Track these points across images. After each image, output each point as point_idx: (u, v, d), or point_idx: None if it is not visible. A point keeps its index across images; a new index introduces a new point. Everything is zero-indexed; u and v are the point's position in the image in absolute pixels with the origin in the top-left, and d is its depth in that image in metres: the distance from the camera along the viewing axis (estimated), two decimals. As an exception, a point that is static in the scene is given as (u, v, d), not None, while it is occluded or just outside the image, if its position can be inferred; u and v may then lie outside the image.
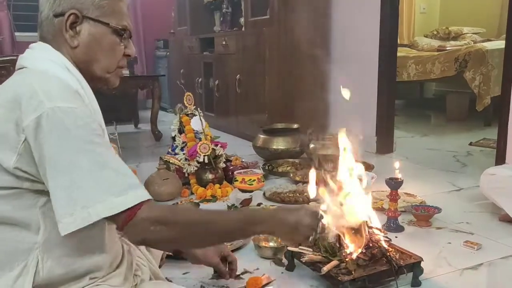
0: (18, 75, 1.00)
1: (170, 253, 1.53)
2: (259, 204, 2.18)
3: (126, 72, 1.13)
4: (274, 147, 3.03)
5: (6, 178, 0.90)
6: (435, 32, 5.53)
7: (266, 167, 2.83)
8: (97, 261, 1.00)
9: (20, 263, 0.92)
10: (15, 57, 2.61)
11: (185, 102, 2.54)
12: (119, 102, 4.54)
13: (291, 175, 2.68)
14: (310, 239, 1.11)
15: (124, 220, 0.89)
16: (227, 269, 1.40)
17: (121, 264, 1.12)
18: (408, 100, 5.63)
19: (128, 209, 0.88)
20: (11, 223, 0.92)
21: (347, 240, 1.41)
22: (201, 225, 0.99)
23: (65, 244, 0.93)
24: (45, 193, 0.91)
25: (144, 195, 0.91)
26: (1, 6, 5.19)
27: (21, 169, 0.89)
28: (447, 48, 4.82)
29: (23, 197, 0.91)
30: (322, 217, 1.16)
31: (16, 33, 5.37)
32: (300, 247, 1.52)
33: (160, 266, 1.36)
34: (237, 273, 1.46)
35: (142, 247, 1.27)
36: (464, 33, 5.25)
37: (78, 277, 0.97)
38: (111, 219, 0.88)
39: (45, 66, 0.98)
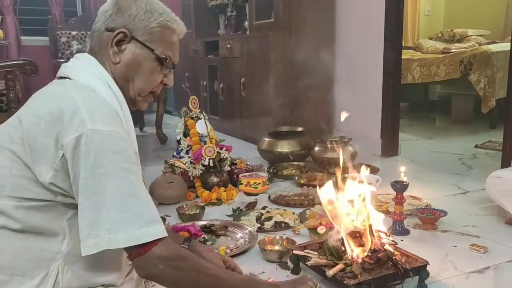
0: (60, 85, 1.01)
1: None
2: (264, 208, 2.18)
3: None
4: (279, 150, 3.03)
5: (40, 191, 0.92)
6: (439, 34, 5.52)
7: (271, 170, 2.83)
8: (112, 279, 1.03)
9: (41, 271, 0.94)
10: (21, 61, 2.64)
11: (190, 106, 2.55)
12: None
13: (296, 178, 2.68)
14: None
15: (137, 252, 0.91)
16: None
17: (133, 270, 1.13)
18: (412, 103, 5.61)
19: (143, 244, 0.90)
20: (39, 232, 0.94)
21: (352, 243, 1.41)
22: (208, 277, 1.00)
23: (85, 259, 0.95)
24: (75, 206, 0.93)
25: (162, 232, 0.93)
26: (7, 10, 5.22)
27: (56, 185, 0.92)
28: (452, 51, 4.80)
29: (54, 208, 0.94)
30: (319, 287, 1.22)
31: (22, 37, 5.40)
32: (305, 250, 1.52)
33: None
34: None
35: None
36: (469, 35, 5.24)
37: None
38: (127, 248, 0.91)
39: (88, 80, 1.01)
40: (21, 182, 0.92)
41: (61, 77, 1.04)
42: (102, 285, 1.01)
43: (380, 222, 1.50)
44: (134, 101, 1.10)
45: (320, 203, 2.20)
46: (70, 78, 1.02)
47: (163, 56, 1.07)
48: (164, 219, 2.00)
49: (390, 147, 3.34)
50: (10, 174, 0.92)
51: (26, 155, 0.91)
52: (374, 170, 2.71)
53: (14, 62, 2.64)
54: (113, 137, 0.91)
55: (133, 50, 1.05)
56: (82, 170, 0.88)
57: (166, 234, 0.94)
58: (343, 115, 1.57)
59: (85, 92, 0.96)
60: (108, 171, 0.89)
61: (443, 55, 4.75)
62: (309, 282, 1.24)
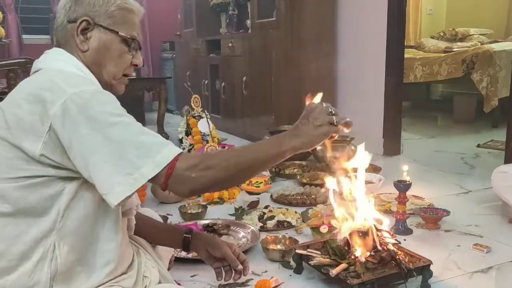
0: (35, 75, 1.03)
1: (179, 256, 1.53)
2: (266, 207, 2.17)
3: (133, 74, 1.16)
4: (281, 149, 3.02)
5: (33, 168, 0.93)
6: (441, 34, 5.51)
7: (273, 169, 2.83)
8: (108, 252, 1.02)
9: (39, 249, 0.95)
10: (23, 60, 2.63)
11: (193, 105, 2.55)
12: (126, 104, 4.43)
13: (298, 177, 2.68)
14: (334, 122, 1.08)
15: (166, 177, 0.92)
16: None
17: (132, 267, 1.13)
18: (414, 102, 5.60)
19: (167, 165, 0.92)
20: (33, 214, 0.95)
21: (355, 243, 1.40)
22: (239, 157, 1.01)
23: (78, 232, 0.97)
24: (70, 179, 0.95)
25: (177, 149, 0.95)
26: (9, 9, 5.22)
27: (47, 156, 0.92)
28: (454, 50, 4.79)
29: (51, 184, 0.95)
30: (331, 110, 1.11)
31: (24, 36, 5.40)
32: (308, 249, 1.51)
33: (168, 269, 1.36)
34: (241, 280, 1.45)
35: (150, 249, 1.28)
36: (471, 34, 5.22)
37: (93, 269, 1.00)
38: (154, 179, 0.92)
39: (60, 66, 1.04)
40: (13, 162, 0.93)
41: (35, 72, 1.06)
42: (106, 275, 1.01)
43: (383, 222, 1.49)
44: (110, 85, 1.11)
45: (322, 202, 2.20)
46: (41, 69, 1.05)
47: (129, 37, 1.09)
48: (166, 218, 2.00)
49: (392, 146, 3.33)
50: (1, 157, 0.94)
51: (12, 135, 0.93)
52: (376, 170, 2.71)
53: (16, 61, 2.64)
54: (97, 92, 0.95)
55: (99, 36, 1.06)
56: (80, 130, 0.90)
57: (181, 150, 0.96)
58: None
59: (60, 72, 1.00)
60: (105, 121, 0.91)
61: (445, 54, 4.74)
62: (322, 109, 1.11)
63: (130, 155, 0.90)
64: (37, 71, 1.05)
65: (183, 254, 1.59)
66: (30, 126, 0.92)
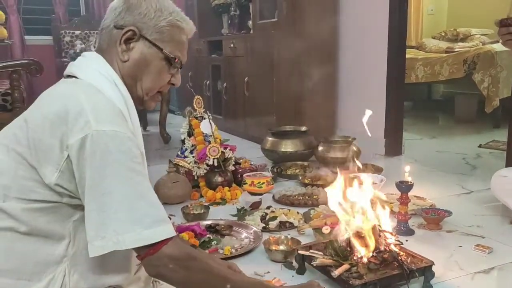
0: (67, 85, 1.01)
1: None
2: (268, 207, 2.18)
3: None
4: (283, 149, 3.04)
5: (47, 193, 0.92)
6: (443, 34, 5.51)
7: (275, 170, 2.84)
8: (120, 280, 1.02)
9: (48, 274, 0.94)
10: (26, 61, 2.64)
11: (195, 105, 2.55)
12: None
13: (300, 177, 2.69)
14: None
15: (147, 252, 0.91)
16: None
17: (140, 269, 1.13)
18: (416, 102, 5.61)
19: (152, 244, 0.90)
20: (45, 235, 0.94)
21: (357, 244, 1.41)
22: (217, 279, 1.00)
23: (92, 260, 0.94)
24: (82, 207, 0.93)
25: (171, 231, 0.93)
26: (11, 10, 5.23)
27: (62, 186, 0.91)
28: (456, 50, 4.80)
29: (61, 210, 0.94)
30: None
31: (26, 37, 5.42)
32: (311, 250, 1.52)
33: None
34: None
35: None
36: (473, 35, 5.23)
37: None
38: (136, 248, 0.91)
39: (95, 79, 1.00)
40: (27, 183, 0.92)
41: (69, 76, 1.04)
42: (110, 286, 1.01)
43: (386, 220, 1.50)
44: (142, 100, 1.09)
45: (324, 203, 2.21)
46: (77, 77, 1.02)
47: (172, 56, 1.06)
48: (169, 219, 2.00)
49: (393, 146, 3.33)
50: (16, 176, 0.92)
51: (31, 156, 0.91)
52: (378, 170, 2.72)
53: (19, 62, 2.65)
54: (119, 137, 0.90)
55: (141, 49, 1.04)
56: (89, 171, 0.88)
57: (175, 234, 0.94)
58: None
59: (90, 92, 0.96)
60: (115, 171, 0.88)
61: (447, 54, 4.75)
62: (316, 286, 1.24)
63: (124, 215, 0.88)
64: (71, 76, 1.03)
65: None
66: (49, 150, 0.90)
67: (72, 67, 1.04)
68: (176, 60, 1.08)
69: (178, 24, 1.07)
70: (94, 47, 1.10)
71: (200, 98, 2.58)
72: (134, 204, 0.89)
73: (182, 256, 0.94)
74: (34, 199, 0.92)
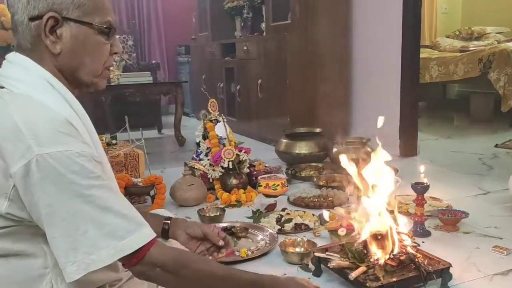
0: None
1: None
2: (283, 209, 2.19)
3: (113, 63, 1.01)
4: (297, 151, 3.04)
5: (1, 221, 0.85)
6: (457, 33, 5.47)
7: (289, 172, 2.84)
8: (114, 276, 1.02)
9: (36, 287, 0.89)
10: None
11: (210, 109, 2.57)
12: (143, 108, 4.63)
13: (315, 179, 2.69)
14: None
15: (130, 262, 0.89)
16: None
17: None
18: (430, 102, 5.57)
19: (135, 251, 0.87)
20: (17, 254, 0.89)
21: (374, 246, 1.41)
22: (206, 277, 0.98)
23: None
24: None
25: (148, 234, 0.89)
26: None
27: (14, 214, 0.85)
28: (470, 49, 4.75)
29: (22, 231, 0.88)
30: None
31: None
32: (327, 252, 1.53)
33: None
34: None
35: None
36: (488, 33, 5.18)
37: None
38: (119, 259, 0.88)
39: (27, 88, 0.89)
40: None
41: None
42: (109, 285, 1.01)
43: (402, 224, 1.50)
44: (92, 84, 0.99)
45: (339, 204, 2.21)
46: (4, 87, 0.90)
47: (105, 26, 0.95)
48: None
49: (408, 147, 3.32)
50: None
51: None
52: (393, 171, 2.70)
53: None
54: (67, 157, 0.82)
55: (71, 32, 0.91)
56: (43, 197, 0.81)
57: (154, 235, 0.90)
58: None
59: (24, 108, 0.85)
60: (72, 194, 0.82)
61: (461, 53, 4.71)
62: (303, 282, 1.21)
63: (93, 233, 0.83)
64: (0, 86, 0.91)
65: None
66: None
67: None
68: (110, 28, 0.96)
69: None
70: (13, 47, 1.02)
71: (215, 101, 2.60)
72: (101, 220, 0.84)
73: (169, 262, 0.92)
74: None
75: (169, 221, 1.31)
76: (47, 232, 0.83)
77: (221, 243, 1.33)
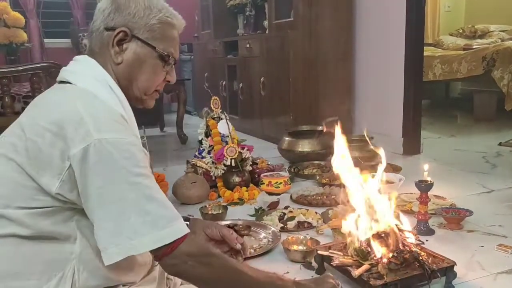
0: (62, 92, 1.00)
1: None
2: (286, 207, 2.18)
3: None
4: (300, 149, 3.03)
5: (47, 199, 0.92)
6: (460, 31, 5.45)
7: (292, 170, 2.83)
8: (131, 276, 1.03)
9: (57, 273, 0.94)
10: (46, 64, 2.69)
11: (212, 106, 2.56)
12: None
13: (318, 177, 2.68)
14: None
15: (164, 252, 0.91)
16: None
17: (153, 268, 1.14)
18: (433, 100, 5.55)
19: (171, 242, 0.90)
20: (50, 237, 0.94)
21: (378, 244, 1.40)
22: (234, 272, 1.00)
23: (100, 258, 0.93)
24: (81, 211, 0.93)
25: (185, 228, 0.93)
26: (31, 14, 5.33)
27: (63, 195, 0.91)
28: (474, 47, 4.74)
29: (62, 213, 0.93)
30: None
31: (45, 40, 5.51)
32: (330, 250, 1.52)
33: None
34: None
35: None
36: (491, 31, 5.16)
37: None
38: (152, 250, 0.91)
39: (89, 84, 0.99)
40: (28, 192, 0.92)
41: (62, 81, 1.03)
42: (123, 285, 1.02)
43: (405, 223, 1.49)
44: (140, 100, 1.09)
45: (343, 203, 2.20)
46: (70, 83, 1.01)
47: (165, 53, 1.06)
48: (188, 219, 2.02)
49: (412, 145, 3.31)
50: (18, 185, 0.92)
51: (31, 167, 0.90)
52: (396, 169, 2.69)
53: (39, 65, 2.70)
54: (121, 144, 0.89)
55: (134, 49, 1.03)
56: (94, 180, 0.87)
57: (188, 230, 0.94)
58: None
59: (87, 99, 0.95)
60: (122, 179, 0.88)
61: (465, 51, 4.68)
62: (331, 280, 1.23)
63: (137, 220, 0.88)
64: (64, 81, 1.02)
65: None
66: (50, 159, 0.89)
67: (65, 73, 1.03)
68: (169, 57, 1.07)
69: (168, 21, 1.06)
70: (85, 50, 1.08)
71: (217, 98, 2.59)
72: (145, 208, 0.89)
73: (200, 252, 0.94)
74: (35, 207, 0.92)
75: (187, 222, 1.32)
76: (94, 214, 0.89)
77: (238, 246, 1.34)
